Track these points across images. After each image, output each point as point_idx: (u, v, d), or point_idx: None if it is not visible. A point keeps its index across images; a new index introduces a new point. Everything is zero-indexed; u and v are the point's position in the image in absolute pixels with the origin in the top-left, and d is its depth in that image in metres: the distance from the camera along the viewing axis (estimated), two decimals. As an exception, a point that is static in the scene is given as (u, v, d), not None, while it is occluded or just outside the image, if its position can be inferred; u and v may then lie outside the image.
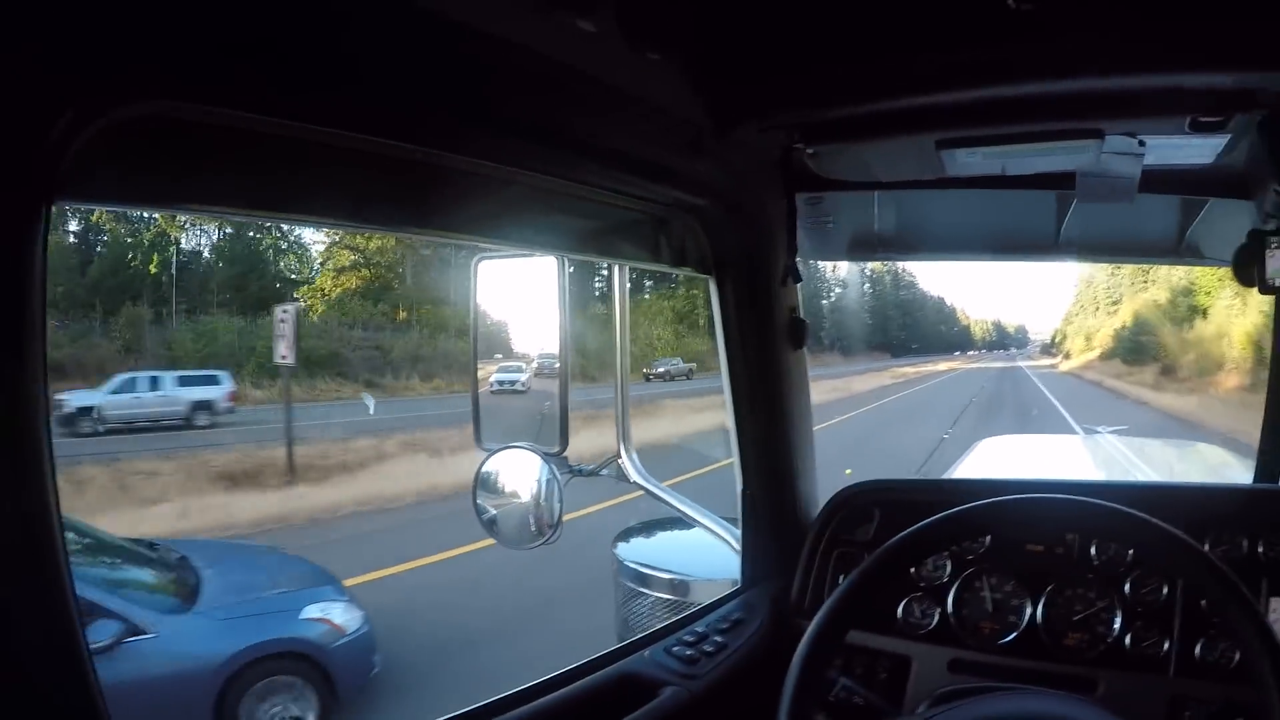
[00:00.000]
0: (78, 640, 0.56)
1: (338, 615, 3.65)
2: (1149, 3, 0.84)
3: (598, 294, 14.69)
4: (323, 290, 18.61)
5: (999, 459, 3.73)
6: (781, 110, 1.06)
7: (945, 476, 3.14)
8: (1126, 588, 1.15)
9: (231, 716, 3.28)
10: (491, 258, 1.38)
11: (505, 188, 0.93)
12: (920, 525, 0.87)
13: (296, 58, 0.64)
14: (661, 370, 21.39)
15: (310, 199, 0.77)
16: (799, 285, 1.37)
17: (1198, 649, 1.09)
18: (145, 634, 3.02)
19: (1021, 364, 48.98)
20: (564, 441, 1.35)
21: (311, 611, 3.60)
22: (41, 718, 0.55)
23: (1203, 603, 1.05)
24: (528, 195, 0.97)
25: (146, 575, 3.53)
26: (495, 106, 0.81)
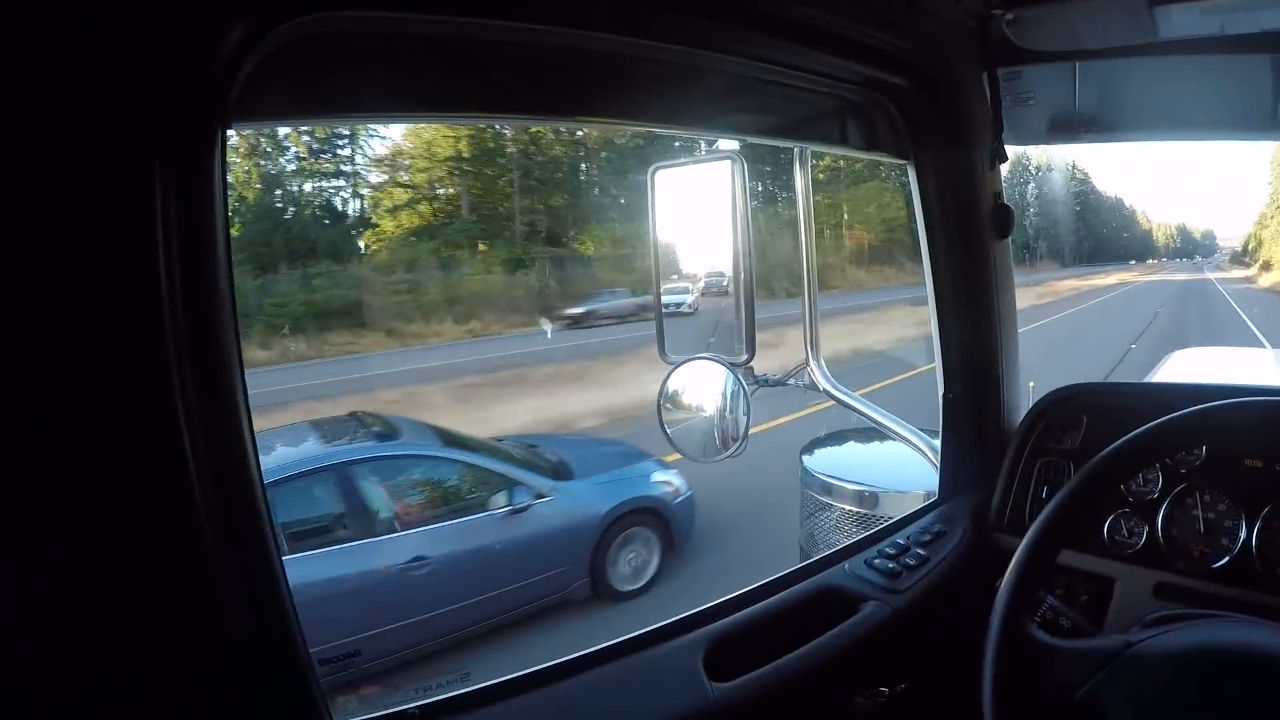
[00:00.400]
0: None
1: (675, 480, 4.56)
2: None
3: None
4: (383, 232, 17.66)
5: (1194, 372, 3.43)
6: None
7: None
8: None
9: (604, 559, 4.26)
10: (668, 167, 1.35)
11: (688, 72, 0.90)
12: (1134, 434, 0.80)
13: None
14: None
15: (481, 95, 0.76)
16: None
17: None
18: (546, 498, 4.08)
19: (1210, 276, 41.18)
20: (750, 350, 1.33)
21: (658, 476, 4.52)
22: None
23: None
24: (711, 80, 0.94)
25: (537, 460, 4.51)
26: None
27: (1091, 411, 1.21)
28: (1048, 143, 1.49)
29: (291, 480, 3.52)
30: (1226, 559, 1.07)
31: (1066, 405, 1.23)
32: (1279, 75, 1.26)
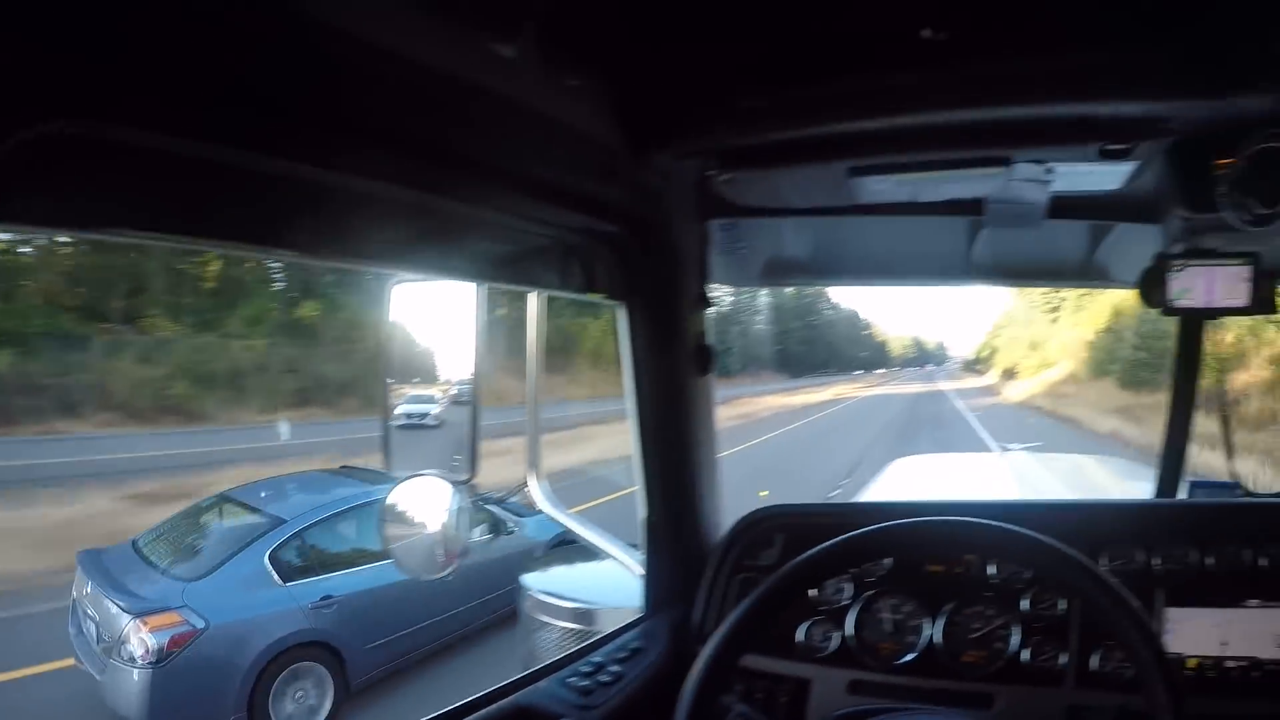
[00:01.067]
0: None
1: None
2: (1058, 33, 0.88)
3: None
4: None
5: (912, 479, 3.80)
6: (698, 137, 1.08)
7: (856, 499, 3.20)
8: (1024, 604, 1.20)
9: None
10: (407, 280, 1.37)
11: (413, 213, 0.89)
12: (813, 552, 0.87)
13: (200, 76, 0.61)
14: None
15: (218, 222, 0.72)
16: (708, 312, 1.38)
17: (1094, 661, 1.15)
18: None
19: (945, 387, 40.66)
20: (474, 469, 1.33)
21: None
22: None
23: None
24: (439, 222, 0.95)
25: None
26: (404, 130, 0.79)
27: (786, 530, 1.32)
28: (762, 285, 1.71)
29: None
30: (913, 654, 1.21)
31: (763, 525, 1.34)
32: (972, 232, 1.50)
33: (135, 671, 3.41)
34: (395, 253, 0.92)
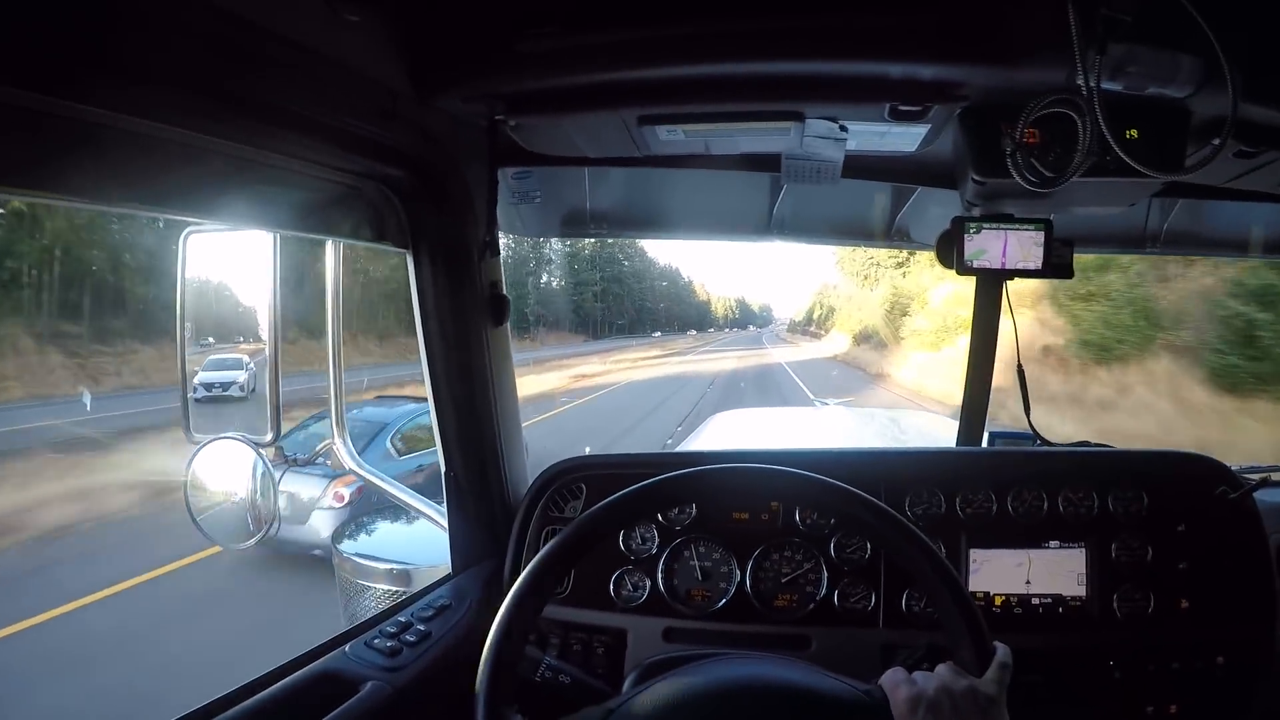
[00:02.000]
0: None
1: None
2: None
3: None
4: None
5: (732, 432, 3.86)
6: (484, 80, 1.04)
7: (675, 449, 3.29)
8: (831, 549, 1.26)
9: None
10: (201, 231, 1.26)
11: (197, 157, 0.85)
12: (610, 499, 0.87)
13: None
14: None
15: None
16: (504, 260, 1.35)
17: (903, 601, 1.22)
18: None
19: (773, 351, 38.53)
20: (276, 430, 1.27)
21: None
22: None
23: None
24: (223, 166, 0.90)
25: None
26: (185, 68, 0.75)
27: (591, 481, 1.33)
28: (561, 235, 1.66)
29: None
30: (725, 600, 1.25)
31: (568, 476, 1.34)
32: (775, 189, 1.53)
33: (333, 513, 5.66)
34: (182, 198, 0.87)
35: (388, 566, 1.37)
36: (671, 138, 1.15)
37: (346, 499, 5.76)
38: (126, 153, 0.77)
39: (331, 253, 1.30)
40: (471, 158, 1.22)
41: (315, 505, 5.70)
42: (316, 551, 5.14)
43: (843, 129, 1.11)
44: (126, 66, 0.70)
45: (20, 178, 0.70)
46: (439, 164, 1.18)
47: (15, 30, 0.60)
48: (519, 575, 1.24)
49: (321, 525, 5.54)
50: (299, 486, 5.70)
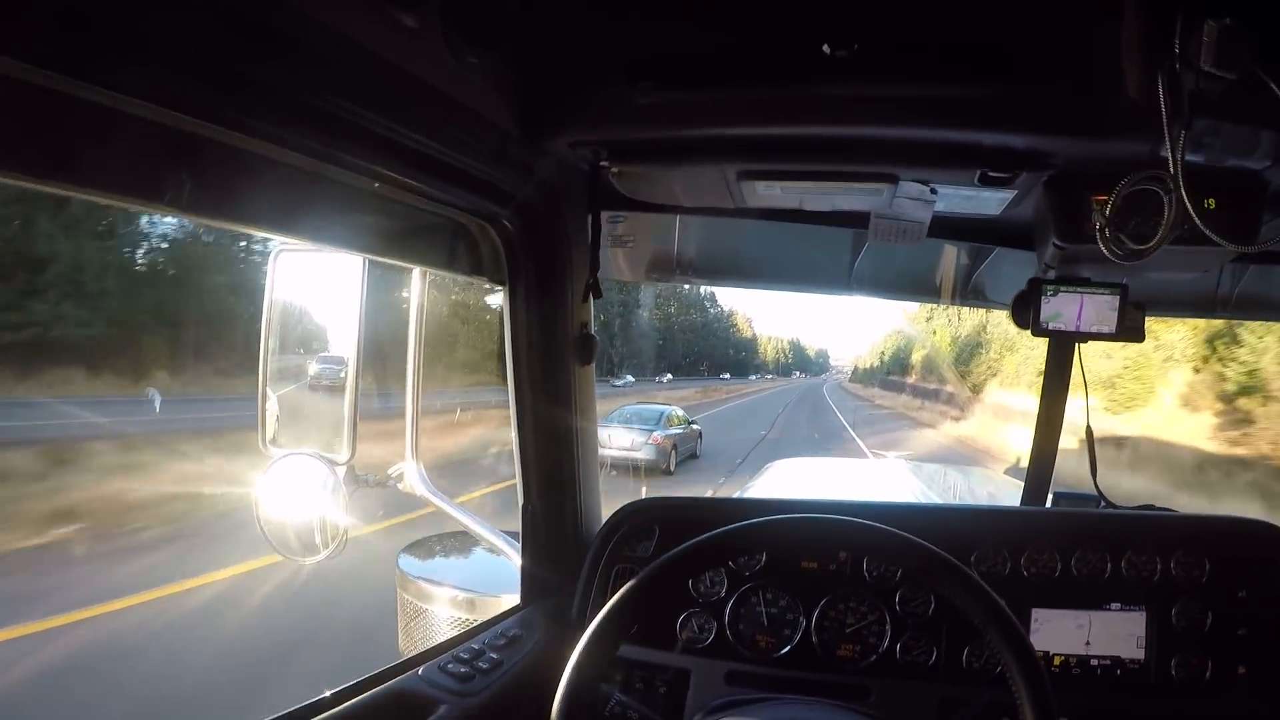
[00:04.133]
0: None
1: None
2: (952, 62, 0.92)
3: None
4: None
5: (790, 480, 3.90)
6: (591, 127, 1.08)
7: (736, 495, 3.29)
8: (896, 601, 1.27)
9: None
10: (292, 250, 1.31)
11: (303, 179, 0.88)
12: (689, 544, 0.89)
13: (84, 14, 0.59)
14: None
15: (101, 170, 0.70)
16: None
17: (964, 656, 1.23)
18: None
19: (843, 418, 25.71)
20: (352, 449, 1.30)
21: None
22: None
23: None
24: (326, 189, 0.93)
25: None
26: (296, 91, 0.77)
27: (663, 522, 1.36)
28: (647, 280, 1.72)
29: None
30: (789, 647, 1.26)
31: (641, 516, 1.37)
32: (856, 245, 1.57)
33: (655, 447, 11.90)
34: (280, 217, 0.90)
35: (451, 592, 1.39)
36: (769, 193, 1.19)
37: (661, 441, 11.98)
38: (231, 169, 0.80)
39: (419, 282, 1.34)
40: (572, 200, 1.26)
41: (644, 443, 11.60)
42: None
43: (933, 191, 1.14)
44: (241, 84, 0.72)
45: (123, 185, 0.74)
46: (541, 204, 1.22)
47: (130, 38, 0.62)
48: (588, 612, 1.26)
49: (649, 453, 11.64)
50: (629, 435, 11.60)
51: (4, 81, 0.58)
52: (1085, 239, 1.06)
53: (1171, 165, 0.86)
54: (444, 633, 1.37)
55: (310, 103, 0.79)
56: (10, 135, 0.62)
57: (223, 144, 0.76)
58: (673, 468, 12.20)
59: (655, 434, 12.05)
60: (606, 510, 1.43)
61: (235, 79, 0.71)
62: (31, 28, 0.57)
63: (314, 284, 1.39)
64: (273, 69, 0.74)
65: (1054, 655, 1.23)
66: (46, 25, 0.57)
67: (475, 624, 1.32)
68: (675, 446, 12.53)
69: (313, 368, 1.38)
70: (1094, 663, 1.23)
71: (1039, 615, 1.24)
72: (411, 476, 1.37)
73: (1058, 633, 1.24)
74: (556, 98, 1.05)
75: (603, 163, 1.14)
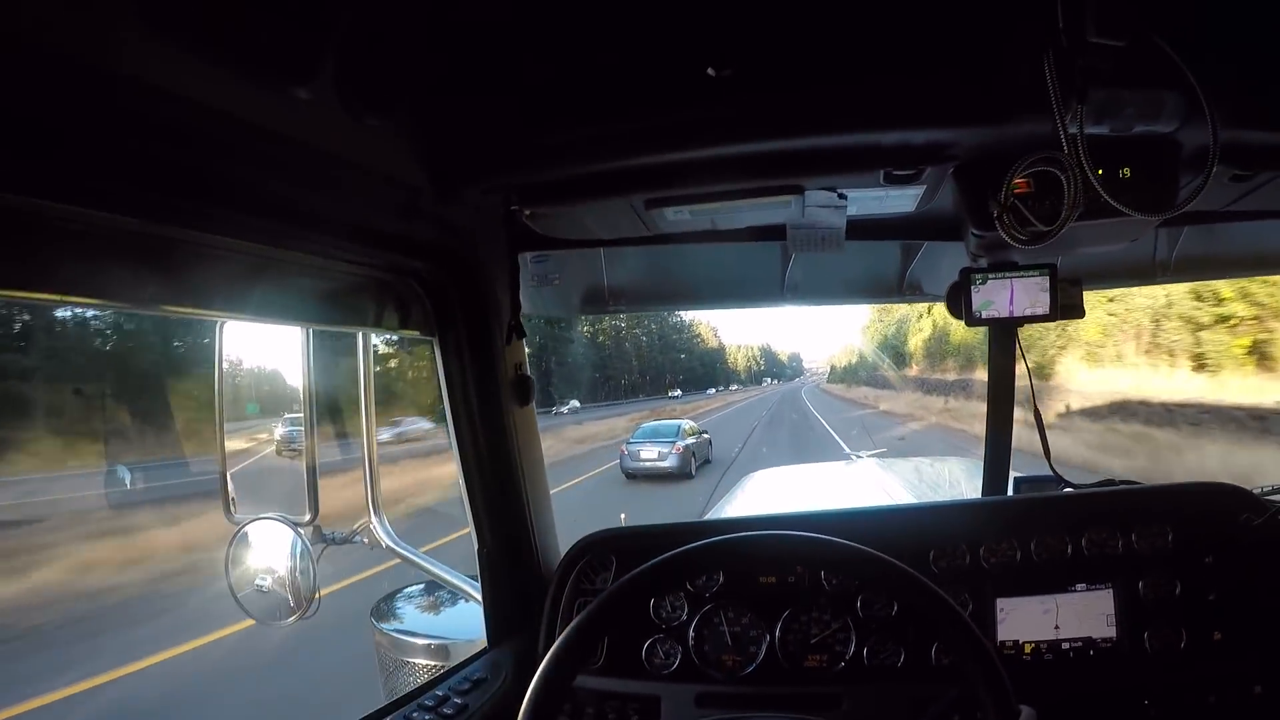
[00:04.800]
0: None
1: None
2: (841, 66, 0.94)
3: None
4: None
5: (767, 491, 4.00)
6: (498, 174, 1.11)
7: (711, 516, 3.29)
8: (858, 607, 1.27)
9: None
10: (238, 320, 1.33)
11: (228, 260, 0.90)
12: (635, 571, 0.90)
13: (6, 128, 0.61)
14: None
15: (31, 272, 0.72)
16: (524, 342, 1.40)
17: (932, 654, 1.24)
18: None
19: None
20: (314, 510, 1.32)
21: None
22: None
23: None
24: (254, 266, 0.95)
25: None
26: (211, 177, 0.80)
27: (621, 552, 1.36)
28: (581, 314, 1.72)
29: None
30: (755, 664, 1.27)
31: (598, 548, 1.37)
32: (785, 256, 1.58)
33: (678, 456, 13.52)
34: (215, 299, 0.92)
35: (425, 641, 1.40)
36: (678, 217, 1.21)
37: (683, 450, 13.58)
38: (154, 257, 0.81)
39: (362, 342, 1.36)
40: (491, 246, 1.28)
41: (670, 453, 13.35)
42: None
43: (841, 196, 1.15)
44: (149, 175, 0.74)
45: (55, 284, 0.75)
46: (460, 254, 1.24)
47: (43, 142, 0.65)
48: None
49: (673, 462, 13.39)
50: (655, 448, 13.54)
51: None
52: (997, 226, 1.07)
53: (1065, 143, 0.87)
54: (421, 682, 1.37)
55: (225, 186, 0.81)
56: None
57: (152, 235, 0.78)
58: (694, 472, 13.54)
59: (677, 444, 13.81)
60: (564, 545, 1.43)
61: (150, 174, 0.74)
62: None
63: (262, 350, 1.41)
64: (186, 160, 0.76)
65: (1024, 643, 1.23)
66: None
67: (438, 671, 1.33)
68: (694, 454, 14.07)
69: (279, 431, 1.39)
70: (1065, 646, 1.23)
71: (1004, 605, 1.24)
72: (377, 531, 1.39)
73: (1025, 620, 1.24)
74: (461, 149, 1.07)
75: (514, 206, 1.16)
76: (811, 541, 0.89)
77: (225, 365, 1.33)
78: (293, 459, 1.39)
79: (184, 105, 0.72)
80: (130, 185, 0.73)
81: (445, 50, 0.92)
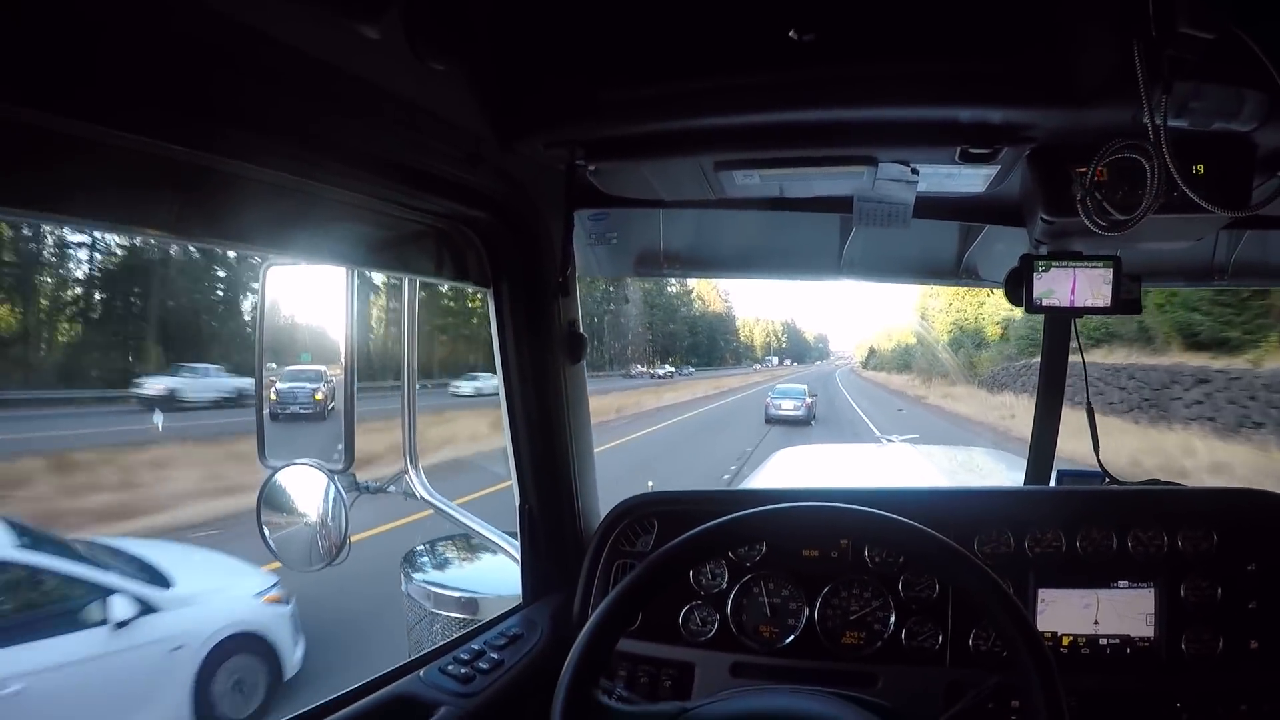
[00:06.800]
0: None
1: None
2: (922, 40, 0.92)
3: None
4: None
5: (795, 468, 3.92)
6: (564, 126, 1.09)
7: (740, 487, 3.28)
8: (900, 586, 1.28)
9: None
10: (282, 263, 1.32)
11: (281, 195, 0.90)
12: (684, 537, 0.90)
13: (61, 52, 0.61)
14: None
15: (80, 198, 0.72)
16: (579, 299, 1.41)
17: (971, 639, 1.24)
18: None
19: None
20: (349, 458, 1.32)
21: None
22: None
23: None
24: (306, 204, 0.95)
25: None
26: (271, 111, 0.80)
27: (662, 516, 1.37)
28: (635, 275, 1.71)
29: None
30: (793, 636, 1.28)
31: (639, 511, 1.39)
32: (845, 229, 1.57)
33: (806, 408, 19.32)
34: (266, 234, 0.93)
35: (456, 594, 1.41)
36: (747, 181, 1.19)
37: (810, 404, 18.63)
38: (213, 191, 0.82)
39: (408, 289, 1.35)
40: (549, 200, 1.27)
41: (801, 405, 17.69)
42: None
43: (914, 171, 1.14)
44: (215, 109, 0.74)
45: (111, 213, 0.76)
46: (519, 206, 1.23)
47: (107, 72, 0.65)
48: (590, 608, 1.26)
49: (804, 412, 18.17)
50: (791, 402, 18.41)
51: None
52: (1070, 212, 1.06)
53: (1151, 132, 0.85)
54: (450, 635, 1.39)
55: (282, 121, 0.81)
56: (4, 172, 0.65)
57: (205, 167, 0.78)
58: (811, 421, 19.03)
59: (805, 400, 19.73)
60: (605, 506, 1.44)
61: (210, 104, 0.73)
62: (19, 70, 0.59)
63: (305, 295, 1.40)
64: (244, 92, 0.76)
65: (1062, 635, 1.24)
66: (34, 66, 0.60)
67: (473, 625, 1.34)
68: (813, 409, 19.84)
69: (276, 389, 1.37)
70: (1103, 642, 1.23)
71: (1045, 595, 1.25)
72: (413, 481, 1.39)
73: (1065, 613, 1.25)
74: (527, 100, 1.06)
75: (578, 161, 1.15)
76: (866, 515, 0.90)
77: (267, 309, 1.34)
78: (290, 423, 1.38)
79: (244, 33, 0.72)
80: (184, 113, 0.72)
81: None
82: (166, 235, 0.83)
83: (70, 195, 0.71)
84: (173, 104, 0.71)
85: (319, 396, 1.38)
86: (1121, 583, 1.24)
